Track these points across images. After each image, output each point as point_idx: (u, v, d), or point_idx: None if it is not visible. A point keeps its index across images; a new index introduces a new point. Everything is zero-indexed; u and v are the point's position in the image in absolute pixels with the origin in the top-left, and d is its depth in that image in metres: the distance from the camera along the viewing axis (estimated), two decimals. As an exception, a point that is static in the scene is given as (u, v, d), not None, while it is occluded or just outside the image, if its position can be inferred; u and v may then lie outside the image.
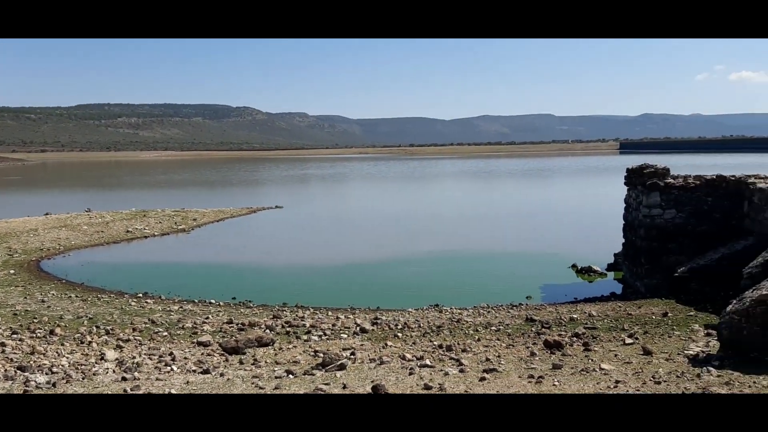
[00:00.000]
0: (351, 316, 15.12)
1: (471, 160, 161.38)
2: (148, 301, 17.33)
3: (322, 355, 10.69)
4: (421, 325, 13.91)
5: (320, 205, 51.66)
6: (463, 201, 52.75)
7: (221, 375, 9.73)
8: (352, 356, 10.80)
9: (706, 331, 11.66)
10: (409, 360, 10.43)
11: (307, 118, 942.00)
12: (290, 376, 9.58)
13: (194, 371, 10.10)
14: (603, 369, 9.01)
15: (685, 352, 9.99)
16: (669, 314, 13.68)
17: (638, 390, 7.78)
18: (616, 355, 10.09)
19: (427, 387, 8.54)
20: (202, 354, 11.36)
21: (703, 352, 9.84)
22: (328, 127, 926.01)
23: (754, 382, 7.70)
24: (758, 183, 16.56)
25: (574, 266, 22.14)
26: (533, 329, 12.98)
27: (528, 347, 11.12)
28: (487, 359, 10.24)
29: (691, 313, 13.68)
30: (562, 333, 12.31)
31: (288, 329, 13.67)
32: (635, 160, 21.19)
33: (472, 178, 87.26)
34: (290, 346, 12.02)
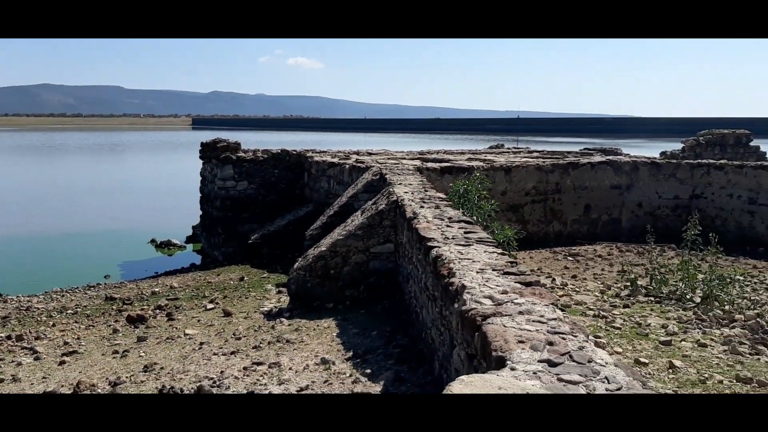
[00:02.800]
0: None
1: (32, 133, 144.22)
2: None
3: None
4: (-19, 318, 12.21)
5: None
6: (25, 178, 47.13)
7: None
8: None
9: (277, 290, 12.96)
10: (-33, 358, 9.11)
11: None
12: None
13: None
14: (188, 334, 9.34)
15: (261, 309, 10.97)
16: (245, 278, 14.75)
17: (221, 348, 8.32)
18: (199, 321, 10.53)
19: (-6, 382, 7.64)
20: None
21: (276, 307, 10.94)
22: None
23: (318, 325, 8.96)
24: (315, 157, 18.92)
25: (153, 241, 22.01)
26: (114, 307, 12.60)
27: (110, 325, 10.78)
28: (66, 343, 9.61)
29: (265, 275, 15.00)
30: (145, 307, 12.25)
31: None
32: (208, 136, 21.99)
33: (34, 153, 78.27)
34: None
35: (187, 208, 24.02)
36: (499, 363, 3.23)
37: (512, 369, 3.08)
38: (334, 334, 8.43)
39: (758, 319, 9.16)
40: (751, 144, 24.16)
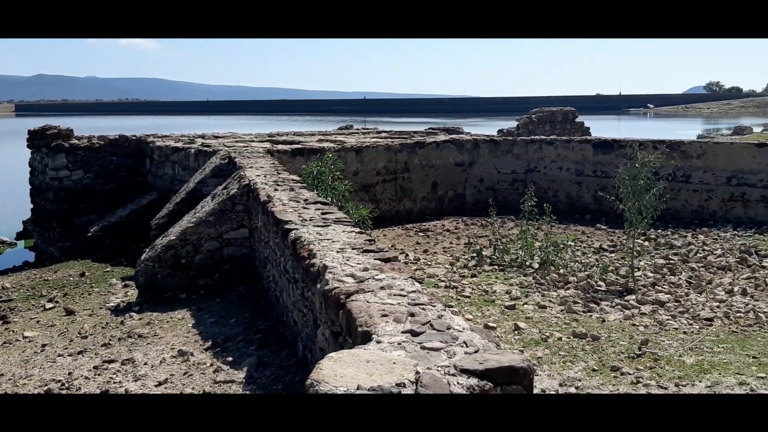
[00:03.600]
0: None
1: None
2: None
3: None
4: None
5: None
6: None
7: None
8: None
9: (124, 283, 12.29)
10: None
11: None
12: None
13: None
14: (27, 337, 8.63)
15: (107, 305, 10.37)
16: (87, 273, 13.84)
17: (66, 348, 7.78)
18: (38, 322, 9.75)
19: None
20: None
21: (123, 301, 10.39)
22: None
23: (171, 317, 8.64)
24: (157, 141, 18.04)
25: (-23, 239, 20.00)
26: (-65, 314, 11.34)
27: (-68, 335, 9.70)
28: None
29: (108, 269, 14.16)
30: (-27, 312, 11.15)
31: None
32: (35, 123, 20.20)
33: None
34: None
35: (16, 202, 22.02)
36: (366, 337, 3.33)
37: (378, 342, 3.19)
38: (190, 325, 8.19)
39: (588, 280, 10.10)
40: (577, 120, 26.31)
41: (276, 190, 8.78)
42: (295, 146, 16.31)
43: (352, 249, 5.13)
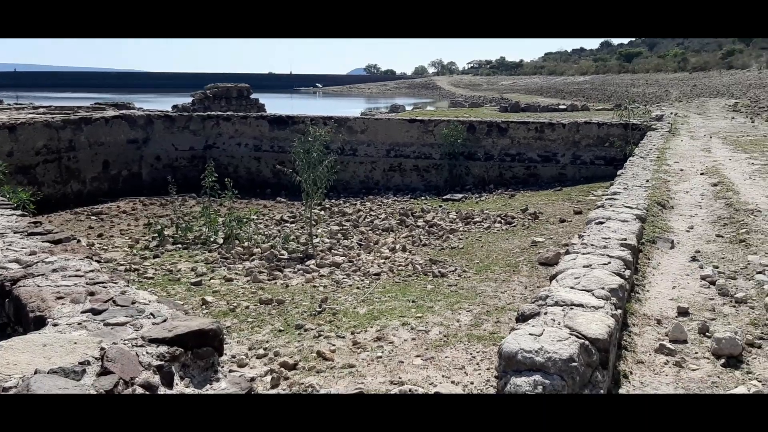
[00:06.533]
0: None
1: None
2: None
3: None
4: None
5: None
6: None
7: None
8: None
9: None
10: None
11: None
12: None
13: None
14: None
15: None
16: None
17: None
18: None
19: None
20: None
21: None
22: None
23: None
24: None
25: None
26: None
27: None
28: None
29: None
30: None
31: None
32: None
33: None
34: None
35: None
36: (39, 322, 3.09)
37: (55, 325, 2.99)
38: None
39: (272, 250, 10.53)
40: (252, 97, 26.82)
41: None
42: (-75, 124, 13.79)
43: (14, 233, 4.62)
